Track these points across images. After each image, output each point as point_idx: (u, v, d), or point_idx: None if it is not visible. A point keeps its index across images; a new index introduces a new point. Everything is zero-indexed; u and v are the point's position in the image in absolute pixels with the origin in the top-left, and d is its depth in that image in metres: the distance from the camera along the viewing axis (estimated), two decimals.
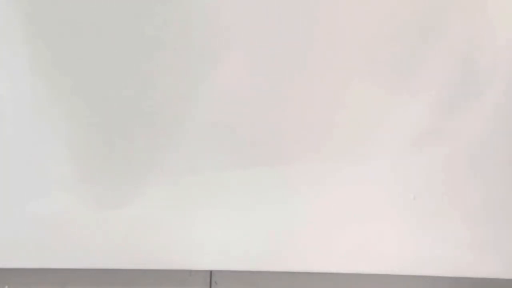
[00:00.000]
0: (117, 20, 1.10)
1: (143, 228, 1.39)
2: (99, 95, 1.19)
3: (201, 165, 1.29)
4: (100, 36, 1.12)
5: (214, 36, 1.12)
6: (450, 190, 1.34)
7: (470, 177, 1.33)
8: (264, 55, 1.15)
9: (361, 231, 1.41)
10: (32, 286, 1.45)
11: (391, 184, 1.33)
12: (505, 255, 1.45)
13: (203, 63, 1.16)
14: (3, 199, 1.33)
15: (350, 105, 1.22)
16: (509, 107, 1.24)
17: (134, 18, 1.10)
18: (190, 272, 1.48)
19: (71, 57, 1.14)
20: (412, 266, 1.47)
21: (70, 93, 1.19)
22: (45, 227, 1.37)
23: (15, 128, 1.23)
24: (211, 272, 1.48)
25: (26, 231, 1.38)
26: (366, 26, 1.13)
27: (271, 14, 1.11)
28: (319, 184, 1.33)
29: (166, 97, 1.20)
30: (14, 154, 1.26)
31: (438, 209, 1.37)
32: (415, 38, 1.15)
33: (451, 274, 1.48)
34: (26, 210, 1.35)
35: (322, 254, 1.45)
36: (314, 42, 1.14)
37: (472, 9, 1.13)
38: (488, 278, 1.48)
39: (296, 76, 1.18)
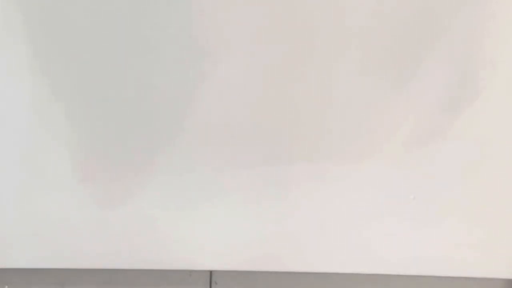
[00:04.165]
0: (117, 19, 1.10)
1: (143, 228, 1.39)
2: (99, 95, 1.19)
3: (201, 165, 1.29)
4: (100, 36, 1.12)
5: (214, 36, 1.12)
6: (449, 190, 1.34)
7: (470, 177, 1.33)
8: (264, 55, 1.15)
9: (360, 231, 1.41)
10: (32, 286, 1.45)
11: (391, 184, 1.33)
12: (505, 255, 1.45)
13: (203, 63, 1.16)
14: (2, 199, 1.33)
15: (350, 105, 1.22)
16: (509, 107, 1.24)
17: (134, 18, 1.10)
18: (190, 272, 1.48)
19: (71, 56, 1.14)
20: (412, 266, 1.47)
21: (70, 93, 1.19)
22: (45, 227, 1.37)
23: (15, 127, 1.23)
24: (211, 272, 1.48)
25: (26, 231, 1.38)
26: (366, 26, 1.13)
27: (271, 14, 1.11)
28: (319, 184, 1.33)
29: (166, 97, 1.20)
30: (13, 153, 1.26)
31: (438, 209, 1.37)
32: (415, 38, 1.14)
33: (451, 274, 1.48)
34: (26, 210, 1.35)
35: (322, 254, 1.45)
36: (314, 42, 1.14)
37: (472, 8, 1.13)
38: (488, 278, 1.48)
39: (295, 76, 1.18)
